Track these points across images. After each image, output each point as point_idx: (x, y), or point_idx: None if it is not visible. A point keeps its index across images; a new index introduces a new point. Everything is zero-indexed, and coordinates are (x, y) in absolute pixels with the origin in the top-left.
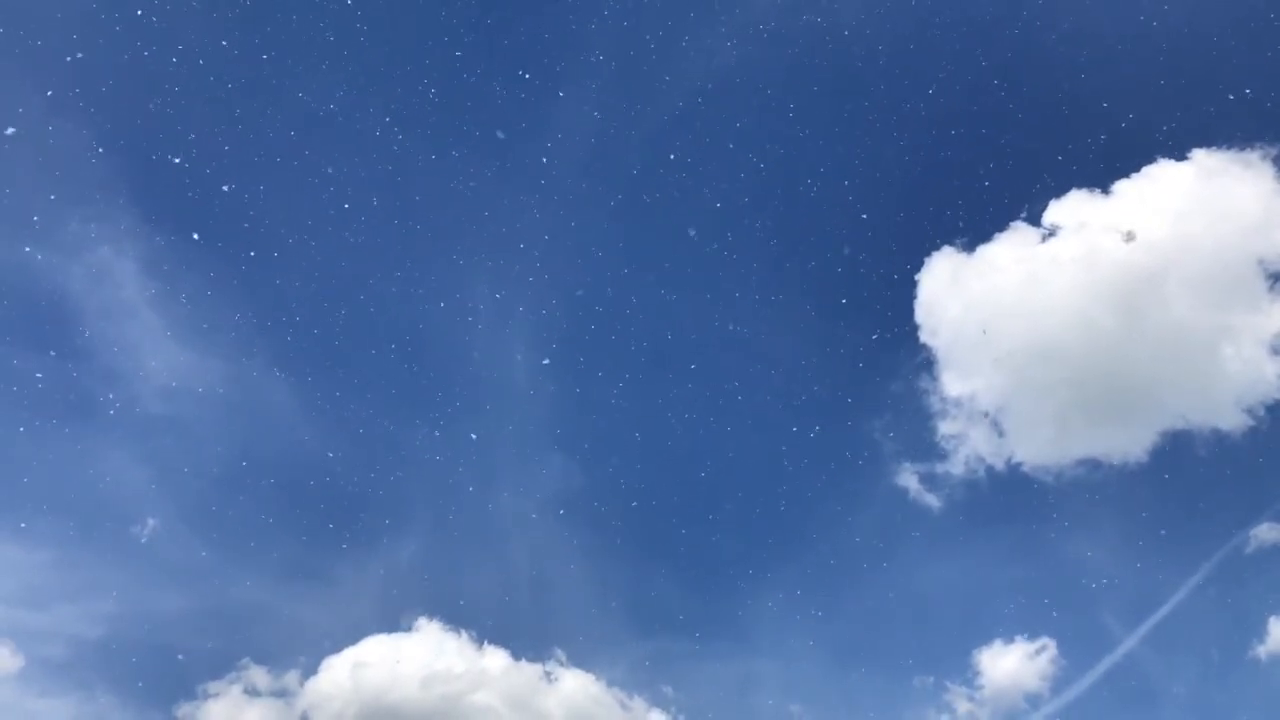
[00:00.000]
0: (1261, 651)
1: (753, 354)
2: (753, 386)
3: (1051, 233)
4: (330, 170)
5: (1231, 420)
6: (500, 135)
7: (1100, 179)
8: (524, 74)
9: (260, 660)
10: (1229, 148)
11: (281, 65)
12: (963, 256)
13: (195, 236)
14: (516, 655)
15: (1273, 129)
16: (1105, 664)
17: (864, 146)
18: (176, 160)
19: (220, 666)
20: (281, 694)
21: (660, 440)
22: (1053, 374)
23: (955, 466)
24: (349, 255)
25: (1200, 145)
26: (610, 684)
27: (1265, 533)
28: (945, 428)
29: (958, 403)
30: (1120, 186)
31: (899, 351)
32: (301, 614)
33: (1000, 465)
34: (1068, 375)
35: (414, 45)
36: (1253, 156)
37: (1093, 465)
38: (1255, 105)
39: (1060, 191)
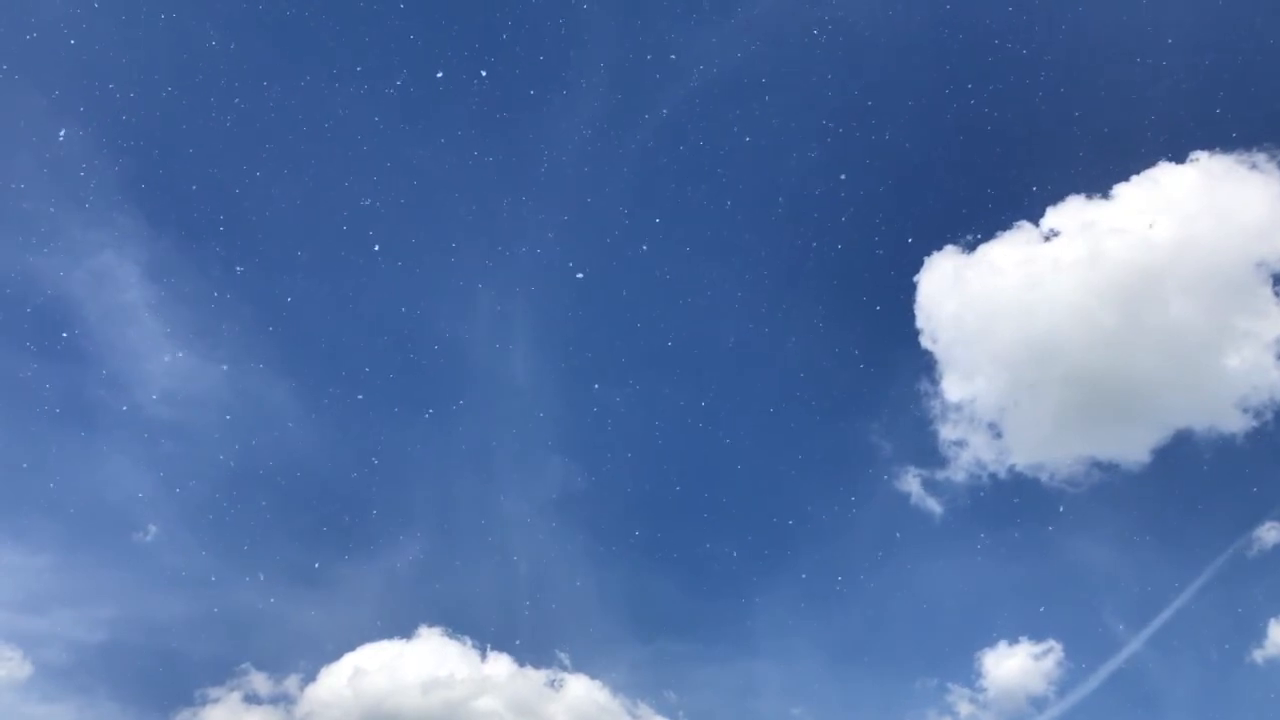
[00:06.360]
0: (1259, 656)
1: (754, 357)
2: (754, 390)
3: (1055, 233)
4: (330, 173)
5: (1235, 422)
6: (500, 134)
7: (1102, 181)
8: (525, 72)
9: (260, 666)
10: (1233, 151)
11: (282, 68)
12: (963, 257)
13: (196, 240)
14: (520, 662)
15: (1278, 132)
16: (1109, 667)
17: (864, 145)
18: (178, 164)
19: (220, 672)
20: (281, 700)
21: (662, 445)
22: (1056, 376)
23: (957, 473)
24: (350, 258)
25: (1203, 148)
26: (615, 690)
27: (1267, 533)
28: (946, 432)
29: (958, 407)
30: (1122, 189)
31: (900, 355)
32: (302, 620)
33: (1003, 471)
34: (1071, 377)
35: (413, 45)
36: (1258, 159)
37: (1096, 467)
38: (1260, 108)
39: (1061, 194)
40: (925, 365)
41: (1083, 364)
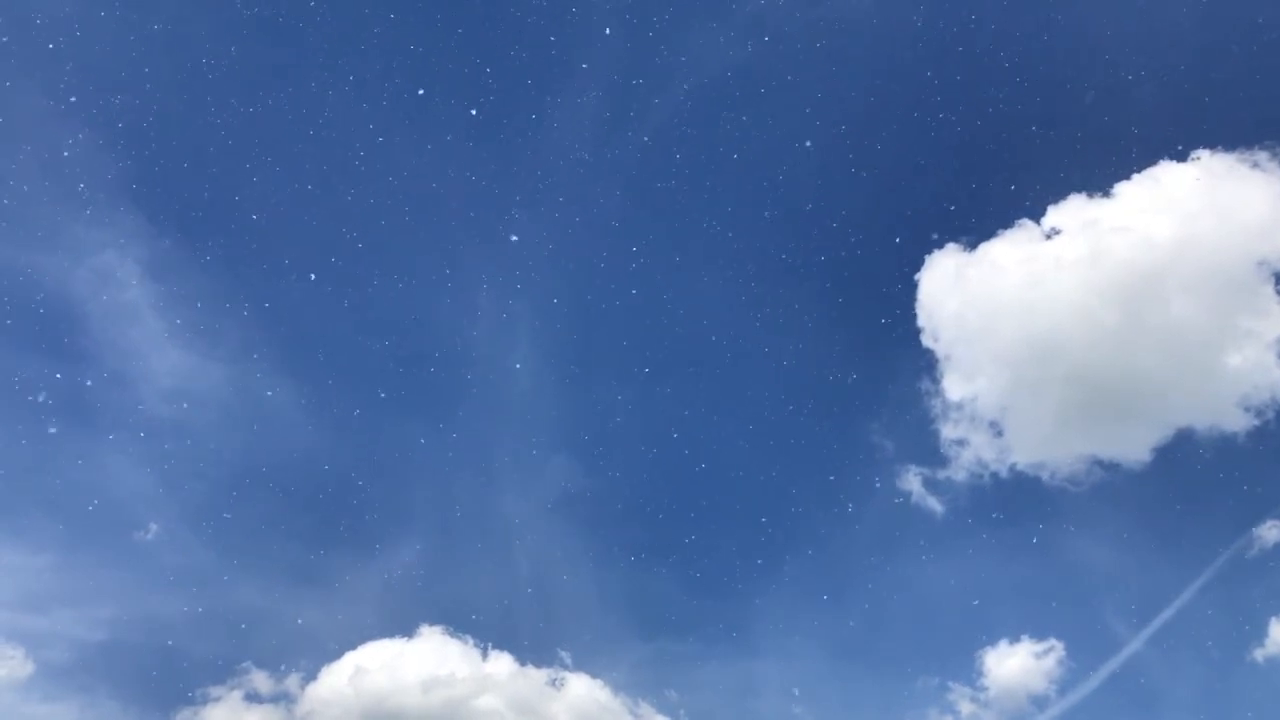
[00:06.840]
0: (1260, 655)
1: (755, 356)
2: (754, 389)
3: (1056, 231)
4: (331, 172)
5: (1236, 421)
6: (500, 139)
7: (1103, 180)
8: (526, 72)
9: (261, 665)
10: (1234, 149)
11: (283, 71)
12: (965, 255)
13: (198, 240)
14: (522, 660)
15: (1279, 130)
16: (1110, 666)
17: (864, 143)
18: (179, 164)
19: (221, 671)
20: (282, 699)
21: (663, 443)
22: (1057, 375)
23: (958, 472)
24: (351, 258)
25: (1204, 146)
26: (616, 689)
27: (1268, 532)
28: (947, 431)
29: (959, 406)
30: (1123, 188)
31: (901, 354)
32: (303, 619)
33: (1004, 469)
34: (1072, 376)
35: (414, 45)
36: (1260, 157)
37: (1097, 466)
38: (1261, 107)
39: (1062, 192)
40: (926, 364)
41: (1084, 363)
